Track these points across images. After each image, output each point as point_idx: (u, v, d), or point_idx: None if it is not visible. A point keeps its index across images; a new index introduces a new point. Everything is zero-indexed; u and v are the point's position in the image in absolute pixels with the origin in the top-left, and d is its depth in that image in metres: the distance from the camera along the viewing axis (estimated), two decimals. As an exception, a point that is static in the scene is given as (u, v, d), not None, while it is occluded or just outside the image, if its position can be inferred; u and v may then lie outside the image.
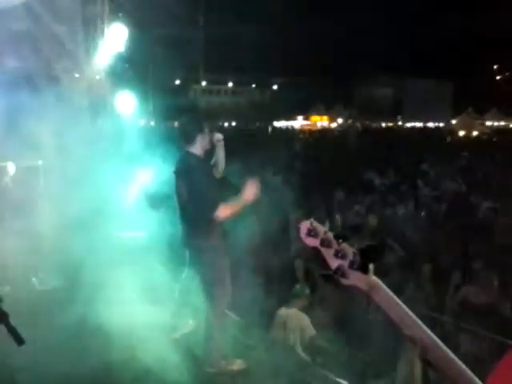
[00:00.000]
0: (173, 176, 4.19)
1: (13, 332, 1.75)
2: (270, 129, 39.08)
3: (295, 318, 5.29)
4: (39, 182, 7.38)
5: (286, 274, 7.22)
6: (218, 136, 4.29)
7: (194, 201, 3.93)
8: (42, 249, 6.11)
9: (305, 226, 1.44)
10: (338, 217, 8.98)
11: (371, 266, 1.38)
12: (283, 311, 5.43)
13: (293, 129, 41.79)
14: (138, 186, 7.81)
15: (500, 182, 12.56)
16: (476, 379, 1.32)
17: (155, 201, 7.42)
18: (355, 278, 1.37)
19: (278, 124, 44.66)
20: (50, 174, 7.07)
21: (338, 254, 1.38)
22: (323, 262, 1.43)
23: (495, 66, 70.40)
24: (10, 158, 6.95)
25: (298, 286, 5.64)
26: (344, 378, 4.44)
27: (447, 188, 11.56)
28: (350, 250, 1.38)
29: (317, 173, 14.15)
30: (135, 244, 6.63)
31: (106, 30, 8.00)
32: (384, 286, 1.38)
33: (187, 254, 4.30)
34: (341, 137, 31.46)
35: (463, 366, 1.33)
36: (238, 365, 4.06)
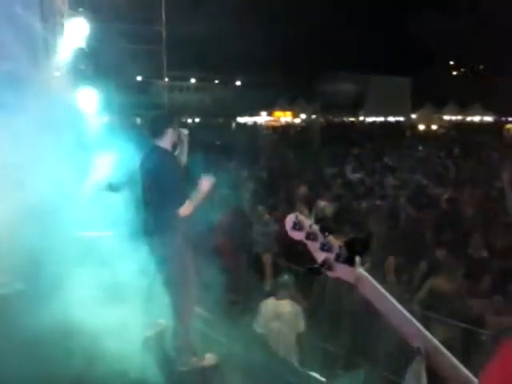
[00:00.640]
0: (139, 170, 4.15)
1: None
2: (233, 125, 39.01)
3: (290, 308, 5.27)
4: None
5: (251, 268, 7.26)
6: (184, 131, 4.30)
7: (161, 195, 3.90)
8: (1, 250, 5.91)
9: (290, 219, 1.44)
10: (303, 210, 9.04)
11: (357, 259, 1.39)
12: (273, 302, 5.34)
13: (256, 124, 41.87)
14: (100, 181, 7.69)
15: (458, 173, 12.98)
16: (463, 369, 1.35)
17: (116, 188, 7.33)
18: (341, 271, 1.38)
19: (241, 120, 44.62)
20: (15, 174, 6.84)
21: (324, 247, 1.38)
22: (309, 256, 1.43)
23: (451, 62, 72.42)
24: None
25: (285, 277, 5.62)
26: (315, 371, 4.51)
27: (409, 180, 11.82)
28: (335, 243, 1.39)
29: (280, 168, 14.24)
30: (100, 243, 6.51)
31: (66, 25, 7.80)
32: (370, 278, 1.40)
33: (149, 250, 4.24)
34: (304, 132, 31.67)
35: (453, 359, 1.36)
36: (208, 360, 4.05)
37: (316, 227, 1.42)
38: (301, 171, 13.17)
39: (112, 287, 5.18)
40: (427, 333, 1.39)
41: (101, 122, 8.99)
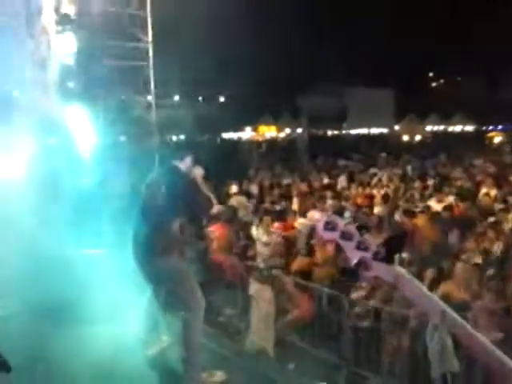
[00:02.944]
0: (146, 187, 4.13)
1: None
2: (218, 140, 39.01)
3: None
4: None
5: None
6: (199, 170, 4.35)
7: (171, 206, 3.95)
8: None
9: (322, 219, 1.40)
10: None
11: (396, 257, 1.35)
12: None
13: (240, 140, 41.97)
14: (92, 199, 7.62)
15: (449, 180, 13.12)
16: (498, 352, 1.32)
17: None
18: (380, 270, 1.34)
19: (226, 135, 44.67)
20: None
21: (361, 246, 1.34)
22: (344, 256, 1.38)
23: (430, 74, 73.65)
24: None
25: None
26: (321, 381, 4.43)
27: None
28: (373, 242, 1.35)
29: (270, 181, 14.21)
30: (94, 261, 6.40)
31: (53, 42, 7.74)
32: (410, 276, 1.36)
33: (145, 270, 4.16)
34: (290, 146, 31.83)
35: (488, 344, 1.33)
36: (219, 377, 3.97)
37: (351, 226, 1.38)
38: (291, 184, 13.17)
39: (112, 305, 5.08)
40: (472, 329, 1.36)
41: (90, 140, 8.90)
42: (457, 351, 1.27)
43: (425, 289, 1.38)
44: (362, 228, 1.33)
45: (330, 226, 1.39)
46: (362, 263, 1.36)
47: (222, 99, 56.00)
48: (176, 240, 3.99)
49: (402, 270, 1.37)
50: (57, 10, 7.68)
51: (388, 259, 1.35)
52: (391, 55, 54.51)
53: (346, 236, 1.38)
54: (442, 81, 73.53)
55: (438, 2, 55.28)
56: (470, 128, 49.33)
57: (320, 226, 1.40)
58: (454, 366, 1.23)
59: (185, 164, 4.20)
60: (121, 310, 5.32)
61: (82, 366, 4.06)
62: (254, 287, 5.79)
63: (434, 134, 45.63)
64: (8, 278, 5.41)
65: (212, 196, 4.15)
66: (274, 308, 5.72)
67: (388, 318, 5.13)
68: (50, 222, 6.65)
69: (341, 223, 1.38)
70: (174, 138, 38.27)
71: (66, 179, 7.89)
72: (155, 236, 3.97)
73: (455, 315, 1.37)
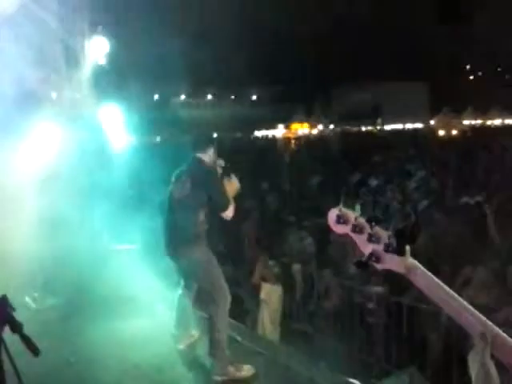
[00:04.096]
0: (176, 176, 4.17)
1: (28, 342, 1.66)
2: (251, 138, 39.11)
3: None
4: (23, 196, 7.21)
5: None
6: (220, 161, 4.39)
7: (198, 196, 4.01)
8: (31, 267, 5.95)
9: (333, 213, 1.38)
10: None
11: (407, 248, 1.33)
12: None
13: (274, 138, 41.93)
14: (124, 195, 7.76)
15: (486, 178, 12.68)
16: None
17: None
18: (391, 262, 1.32)
19: (258, 134, 44.78)
20: (34, 189, 6.91)
21: (372, 239, 1.33)
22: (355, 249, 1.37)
23: (468, 66, 71.84)
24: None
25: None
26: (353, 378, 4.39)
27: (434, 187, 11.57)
28: (384, 233, 1.33)
29: (304, 179, 14.13)
30: (128, 256, 6.52)
31: (86, 43, 7.90)
32: (422, 268, 1.33)
33: (176, 258, 4.22)
34: (323, 143, 31.56)
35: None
36: (247, 370, 3.97)
37: (362, 219, 1.36)
38: (326, 181, 13.02)
39: (142, 299, 5.16)
40: (486, 320, 1.31)
41: (125, 141, 9.07)
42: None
43: (441, 283, 1.34)
44: (374, 219, 1.30)
45: (342, 220, 1.36)
46: (373, 255, 1.33)
47: (253, 97, 56.17)
48: (202, 230, 4.05)
49: (414, 262, 1.33)
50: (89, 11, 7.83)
51: (399, 251, 1.32)
52: (426, 47, 53.44)
53: (357, 229, 1.35)
54: (479, 73, 71.70)
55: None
56: (510, 121, 47.85)
57: (332, 220, 1.37)
58: None
59: (208, 156, 4.22)
60: (154, 304, 5.42)
61: (114, 359, 4.14)
62: (265, 290, 5.96)
63: (472, 127, 44.47)
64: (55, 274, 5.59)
65: (231, 199, 4.10)
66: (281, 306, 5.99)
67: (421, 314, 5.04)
68: (89, 219, 6.79)
69: (352, 216, 1.35)
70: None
71: (102, 176, 8.07)
72: (185, 226, 4.03)
73: (476, 312, 1.32)
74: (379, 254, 1.33)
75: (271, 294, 6.00)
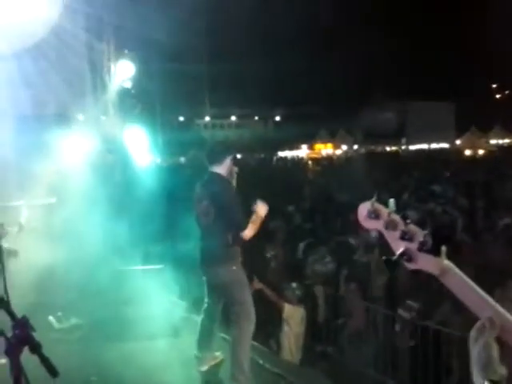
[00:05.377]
0: (196, 197, 4.16)
1: (46, 363, 1.65)
2: (274, 159, 39.16)
3: None
4: (53, 218, 7.34)
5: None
6: (235, 168, 4.36)
7: (223, 219, 3.96)
8: (55, 286, 6.00)
9: (364, 207, 1.32)
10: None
11: (444, 248, 1.25)
12: None
13: (298, 158, 41.93)
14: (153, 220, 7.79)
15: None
16: None
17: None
18: (425, 262, 1.24)
19: (282, 154, 44.83)
20: (63, 211, 7.03)
21: (405, 236, 1.25)
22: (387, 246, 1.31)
23: (494, 85, 70.93)
24: (23, 197, 6.92)
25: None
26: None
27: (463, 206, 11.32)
28: (419, 232, 1.26)
29: (328, 199, 14.03)
30: (152, 277, 6.52)
31: (112, 67, 8.10)
32: (457, 270, 1.26)
33: (206, 278, 4.19)
34: (347, 163, 31.41)
35: None
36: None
37: (396, 215, 1.29)
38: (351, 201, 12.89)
39: (166, 320, 5.14)
40: None
41: (150, 162, 9.20)
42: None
43: (475, 286, 1.28)
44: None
45: (373, 215, 1.30)
46: (405, 254, 1.27)
47: (277, 118, 56.44)
48: (235, 250, 4.00)
49: (449, 264, 1.27)
50: (115, 36, 8.05)
51: (435, 251, 1.25)
52: (451, 66, 53.13)
53: (390, 225, 1.28)
54: (506, 92, 70.71)
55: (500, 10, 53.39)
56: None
57: (363, 215, 1.32)
58: (498, 375, 1.13)
59: (225, 166, 4.13)
60: (178, 325, 5.39)
61: (135, 380, 4.12)
62: (288, 310, 5.94)
63: (500, 147, 43.66)
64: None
65: (245, 221, 3.99)
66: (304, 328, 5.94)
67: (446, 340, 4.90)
68: (114, 238, 6.84)
69: (385, 212, 1.29)
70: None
71: (128, 195, 8.15)
72: (216, 248, 4.01)
73: (510, 317, 1.26)
74: (412, 253, 1.26)
75: (294, 315, 5.98)
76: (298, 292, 6.15)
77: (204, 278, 4.17)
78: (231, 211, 3.97)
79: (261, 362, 4.47)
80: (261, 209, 4.05)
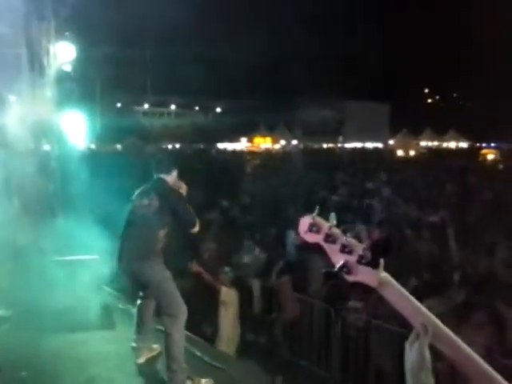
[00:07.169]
0: (139, 195, 4.14)
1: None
2: (213, 151, 38.95)
3: None
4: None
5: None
6: (182, 184, 4.41)
7: (167, 215, 4.03)
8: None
9: (306, 221, 1.36)
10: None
11: (381, 261, 1.32)
12: None
13: (236, 151, 41.91)
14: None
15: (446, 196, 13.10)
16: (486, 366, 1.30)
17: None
18: (364, 274, 1.29)
19: (221, 146, 44.65)
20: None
21: (345, 249, 1.30)
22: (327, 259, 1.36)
23: (426, 90, 74.12)
24: None
25: None
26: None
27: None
28: (358, 245, 1.31)
29: (266, 192, 14.18)
30: (86, 268, 6.36)
31: (52, 48, 7.77)
32: (394, 282, 1.33)
33: (129, 276, 4.25)
34: (286, 158, 31.79)
35: (476, 358, 1.31)
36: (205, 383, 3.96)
37: (336, 229, 1.35)
38: (287, 196, 13.12)
39: (100, 311, 5.05)
40: (454, 336, 1.34)
41: (86, 148, 8.93)
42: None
43: (411, 297, 1.37)
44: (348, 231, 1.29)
45: (314, 229, 1.35)
46: (345, 266, 1.33)
47: (218, 109, 56.10)
48: (159, 247, 4.07)
49: (387, 276, 1.34)
50: (56, 17, 7.71)
51: (373, 263, 1.32)
52: (389, 69, 54.95)
53: (329, 239, 1.34)
54: (437, 97, 74.06)
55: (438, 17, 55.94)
56: (464, 144, 49.57)
57: (304, 228, 1.37)
58: (429, 381, 1.22)
59: (171, 178, 4.25)
60: (112, 316, 5.31)
61: (68, 372, 4.03)
62: (224, 292, 6.23)
63: (429, 149, 45.78)
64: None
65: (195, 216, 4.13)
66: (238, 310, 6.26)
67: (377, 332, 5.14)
68: (43, 227, 6.62)
69: (326, 226, 1.35)
70: (170, 146, 38.33)
71: (56, 184, 7.89)
72: (144, 242, 4.04)
73: (442, 326, 1.36)
74: (351, 266, 1.30)
75: (230, 297, 6.24)
76: (230, 274, 6.44)
77: (125, 272, 4.25)
78: (181, 208, 4.05)
79: (198, 353, 4.49)
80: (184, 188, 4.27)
